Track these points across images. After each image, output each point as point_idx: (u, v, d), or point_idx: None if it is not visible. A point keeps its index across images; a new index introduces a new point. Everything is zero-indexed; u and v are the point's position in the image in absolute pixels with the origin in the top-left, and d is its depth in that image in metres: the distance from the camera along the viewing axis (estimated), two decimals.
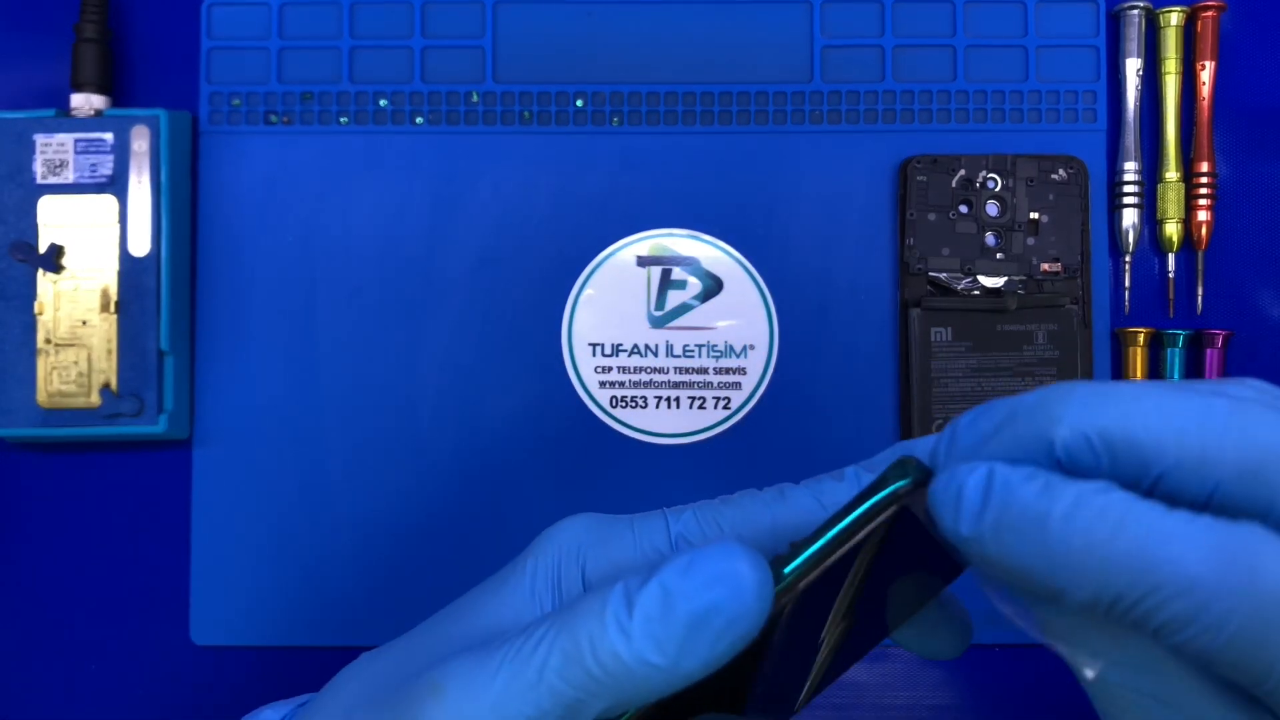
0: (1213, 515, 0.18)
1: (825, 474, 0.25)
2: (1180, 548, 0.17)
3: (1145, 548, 0.17)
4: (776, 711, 0.23)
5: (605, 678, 0.20)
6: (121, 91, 0.44)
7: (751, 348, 0.43)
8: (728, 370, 0.43)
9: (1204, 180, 0.43)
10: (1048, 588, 0.18)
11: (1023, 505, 0.18)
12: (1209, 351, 0.42)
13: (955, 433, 0.20)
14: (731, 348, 0.43)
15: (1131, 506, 0.18)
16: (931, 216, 0.42)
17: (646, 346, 0.43)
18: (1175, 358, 0.42)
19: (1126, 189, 0.43)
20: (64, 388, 0.41)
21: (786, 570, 0.20)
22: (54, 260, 0.41)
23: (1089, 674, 0.20)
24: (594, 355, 0.43)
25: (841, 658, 0.23)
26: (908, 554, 0.21)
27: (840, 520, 0.20)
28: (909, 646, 0.24)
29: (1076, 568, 0.18)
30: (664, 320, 0.43)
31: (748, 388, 0.43)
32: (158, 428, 0.41)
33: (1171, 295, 0.43)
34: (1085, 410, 0.19)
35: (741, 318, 0.43)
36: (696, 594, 0.19)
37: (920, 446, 0.23)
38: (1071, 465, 0.19)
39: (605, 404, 0.43)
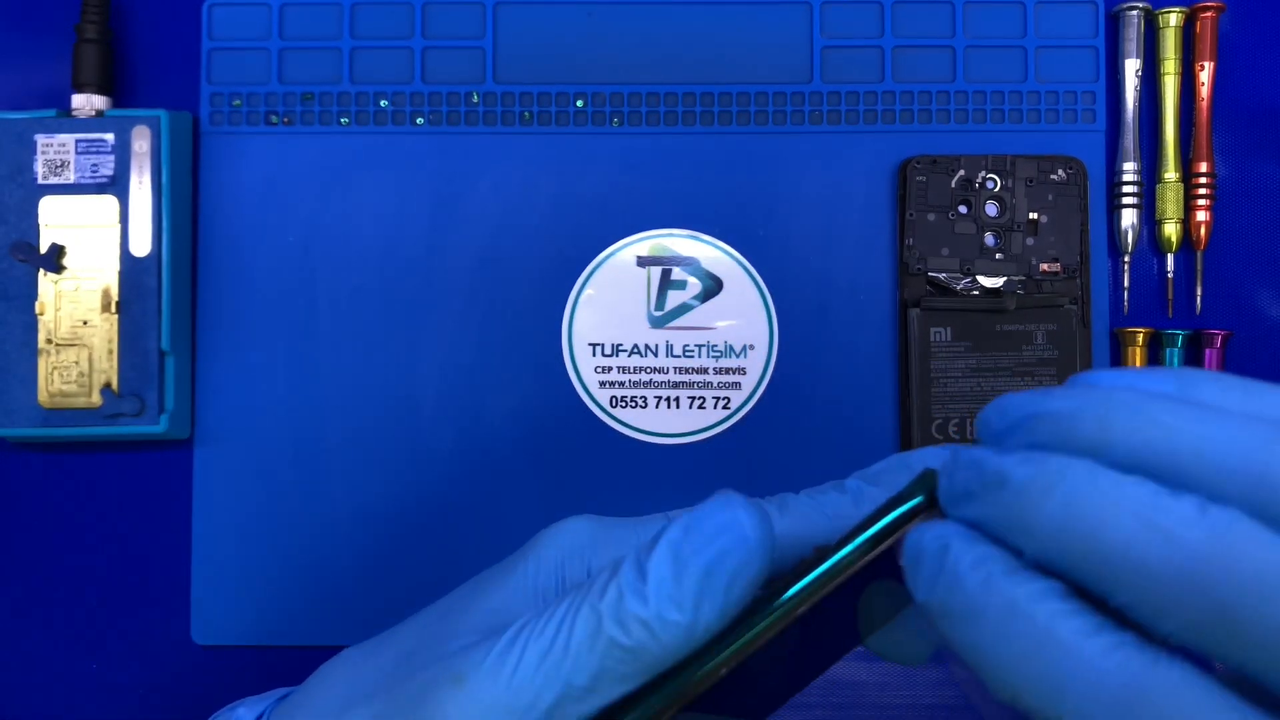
0: (1137, 644, 0.17)
1: (827, 484, 0.25)
2: (1087, 685, 0.17)
3: (1058, 674, 0.17)
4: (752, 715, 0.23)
5: (630, 643, 0.20)
6: (122, 92, 0.44)
7: (751, 348, 0.43)
8: (727, 370, 0.43)
9: (1203, 180, 0.43)
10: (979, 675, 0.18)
11: (965, 595, 0.18)
12: (1208, 351, 0.42)
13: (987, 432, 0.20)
14: (731, 348, 0.43)
15: (1056, 624, 0.17)
16: (931, 217, 0.43)
17: (646, 346, 0.43)
18: (1174, 358, 0.42)
19: (1125, 189, 0.43)
20: (65, 387, 0.41)
21: (799, 585, 0.20)
22: (55, 260, 0.41)
23: None
24: (594, 355, 0.43)
25: (815, 663, 0.23)
26: (893, 564, 0.21)
27: (861, 532, 0.20)
28: (876, 650, 0.24)
29: (996, 672, 0.17)
30: (664, 320, 0.43)
31: (747, 388, 0.43)
32: (159, 427, 0.41)
33: (1170, 295, 0.43)
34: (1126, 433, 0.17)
35: (741, 318, 0.43)
36: (704, 546, 0.20)
37: (916, 458, 0.23)
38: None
39: (605, 404, 0.43)
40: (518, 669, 0.21)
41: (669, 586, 0.20)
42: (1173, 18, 0.43)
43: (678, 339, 0.43)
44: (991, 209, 0.43)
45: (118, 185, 0.41)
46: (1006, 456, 0.18)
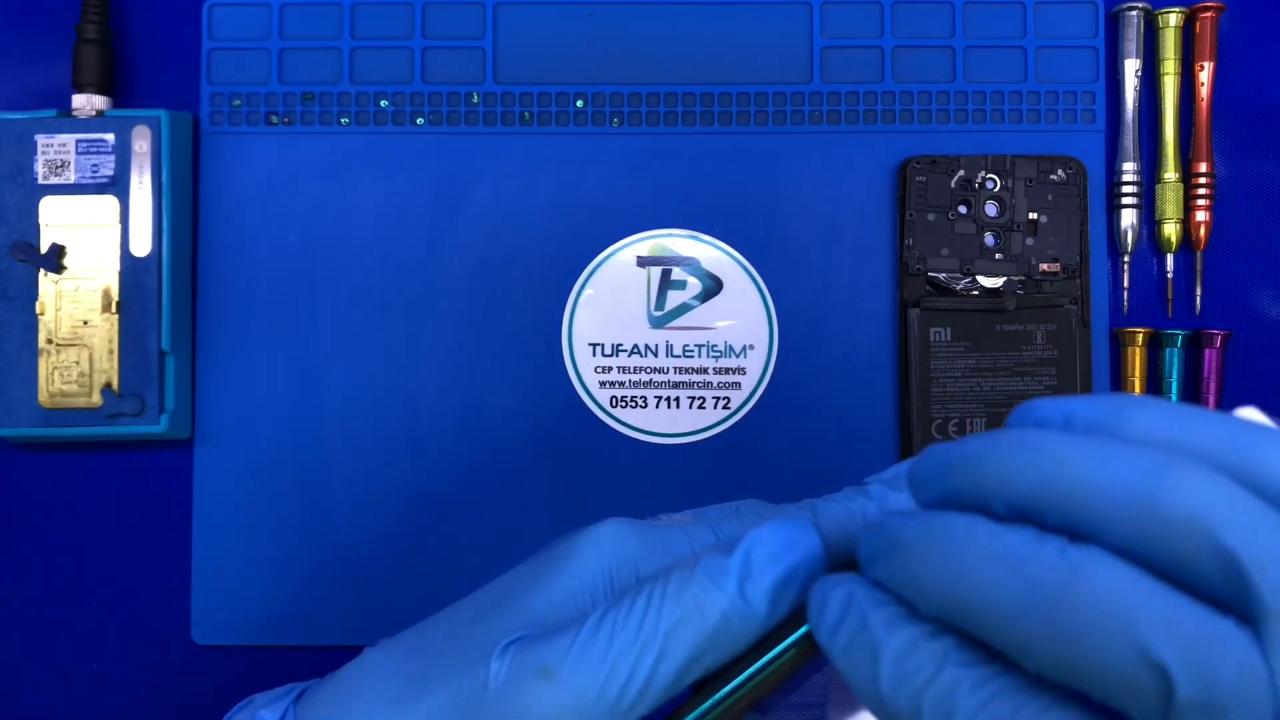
0: (1012, 682, 0.18)
1: (847, 489, 0.26)
2: None
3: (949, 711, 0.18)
4: None
5: (715, 634, 0.22)
6: (123, 92, 0.44)
7: (751, 348, 0.43)
8: (727, 370, 0.43)
9: (1202, 180, 0.43)
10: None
11: (867, 638, 0.19)
12: (1207, 351, 0.42)
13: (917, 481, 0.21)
14: (731, 348, 0.43)
15: (944, 666, 0.18)
16: (931, 217, 0.43)
17: (646, 346, 0.43)
18: (1174, 358, 0.42)
19: (1125, 189, 0.43)
20: (65, 387, 0.41)
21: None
22: (55, 260, 0.41)
23: None
24: (594, 355, 0.43)
25: None
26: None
27: (742, 672, 0.22)
28: None
29: (895, 712, 0.19)
30: (664, 320, 0.43)
31: (747, 387, 0.43)
32: (159, 427, 0.41)
33: (1170, 295, 0.43)
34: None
35: (741, 318, 0.43)
36: (783, 554, 0.22)
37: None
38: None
39: (605, 404, 0.43)
40: (609, 654, 0.22)
41: (751, 585, 0.22)
42: (1172, 18, 0.43)
43: (678, 339, 0.43)
44: (991, 209, 0.43)
45: (118, 185, 0.41)
46: (903, 519, 0.20)
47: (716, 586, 0.22)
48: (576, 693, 0.22)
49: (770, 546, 0.23)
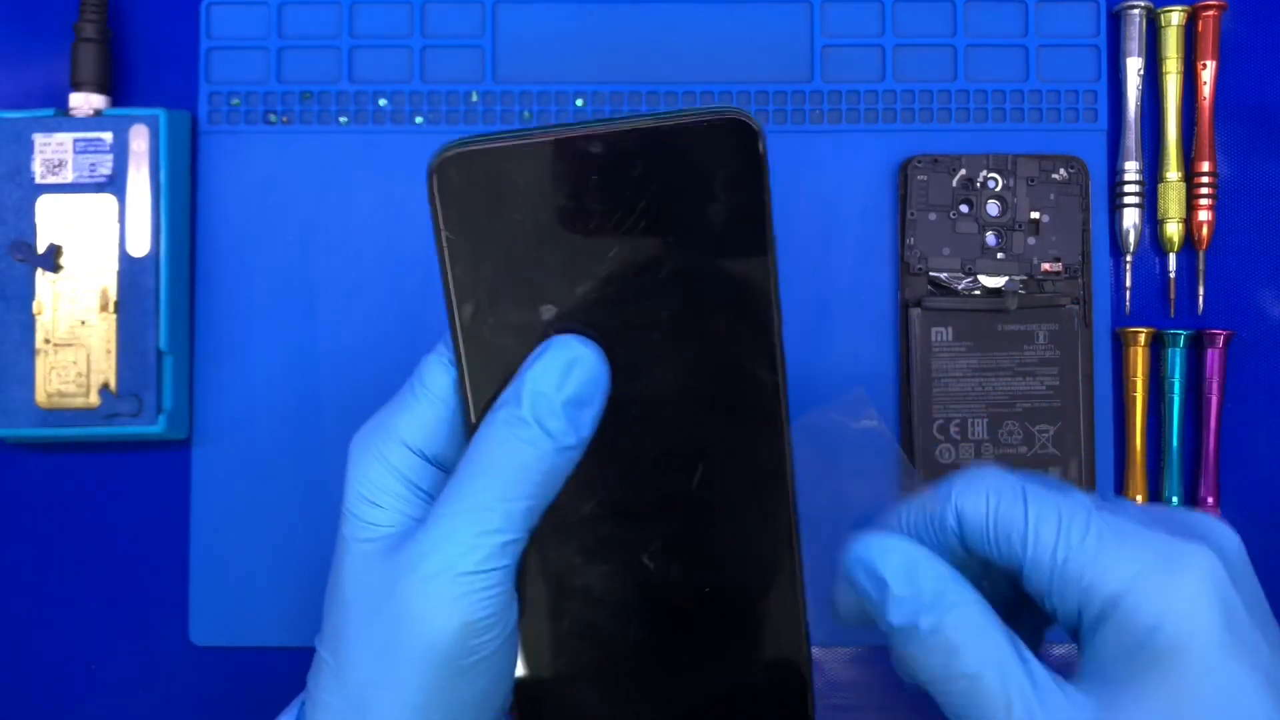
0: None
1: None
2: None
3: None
4: None
5: (540, 477, 0.24)
6: (120, 91, 0.44)
7: None
8: None
9: (1205, 180, 0.42)
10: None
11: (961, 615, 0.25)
12: (1210, 351, 0.42)
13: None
14: None
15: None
16: (932, 216, 0.42)
17: None
18: (1176, 358, 0.42)
19: (1127, 189, 0.43)
20: (63, 388, 0.41)
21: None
22: (53, 260, 0.41)
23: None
24: None
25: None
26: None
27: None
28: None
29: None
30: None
31: None
32: (157, 428, 0.41)
33: (1172, 295, 0.43)
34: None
35: None
36: (565, 381, 0.24)
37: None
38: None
39: None
40: (465, 539, 0.24)
41: (554, 422, 0.24)
42: (1175, 16, 0.43)
43: None
44: (993, 208, 0.42)
45: (116, 185, 0.41)
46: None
47: (526, 442, 0.24)
48: (447, 579, 0.24)
49: (552, 379, 0.24)
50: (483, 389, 0.25)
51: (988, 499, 0.26)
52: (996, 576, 0.27)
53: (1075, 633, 0.26)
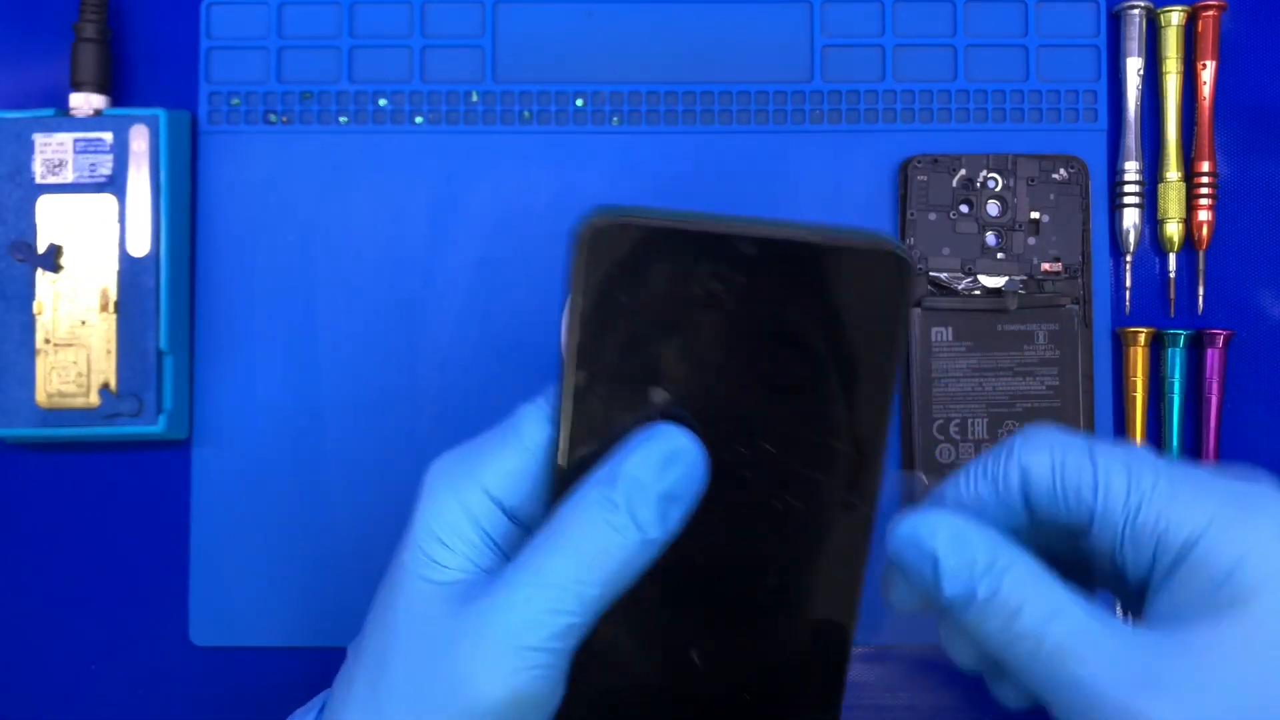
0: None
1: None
2: None
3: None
4: None
5: (619, 566, 0.24)
6: (121, 91, 0.44)
7: None
8: None
9: (1205, 180, 0.42)
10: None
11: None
12: (1210, 351, 0.42)
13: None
14: None
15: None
16: (932, 216, 0.42)
17: None
18: (1176, 358, 0.42)
19: (1127, 189, 0.43)
20: (63, 388, 0.41)
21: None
22: (53, 260, 0.41)
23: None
24: None
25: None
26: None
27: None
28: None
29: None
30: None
31: None
32: (157, 428, 0.41)
33: (1172, 295, 0.43)
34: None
35: None
36: (663, 474, 0.24)
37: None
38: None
39: None
40: (525, 613, 0.24)
41: (640, 512, 0.23)
42: (1174, 16, 0.43)
43: None
44: (993, 208, 0.42)
45: (116, 185, 0.41)
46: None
47: (614, 529, 0.23)
48: (507, 650, 0.24)
49: (651, 470, 0.24)
50: (579, 455, 0.25)
51: (1053, 453, 0.26)
52: (1049, 539, 0.27)
53: (1137, 590, 0.25)
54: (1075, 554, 0.27)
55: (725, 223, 0.24)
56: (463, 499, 0.26)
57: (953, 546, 0.24)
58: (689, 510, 0.24)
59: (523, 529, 0.26)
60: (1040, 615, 0.24)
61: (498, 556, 0.26)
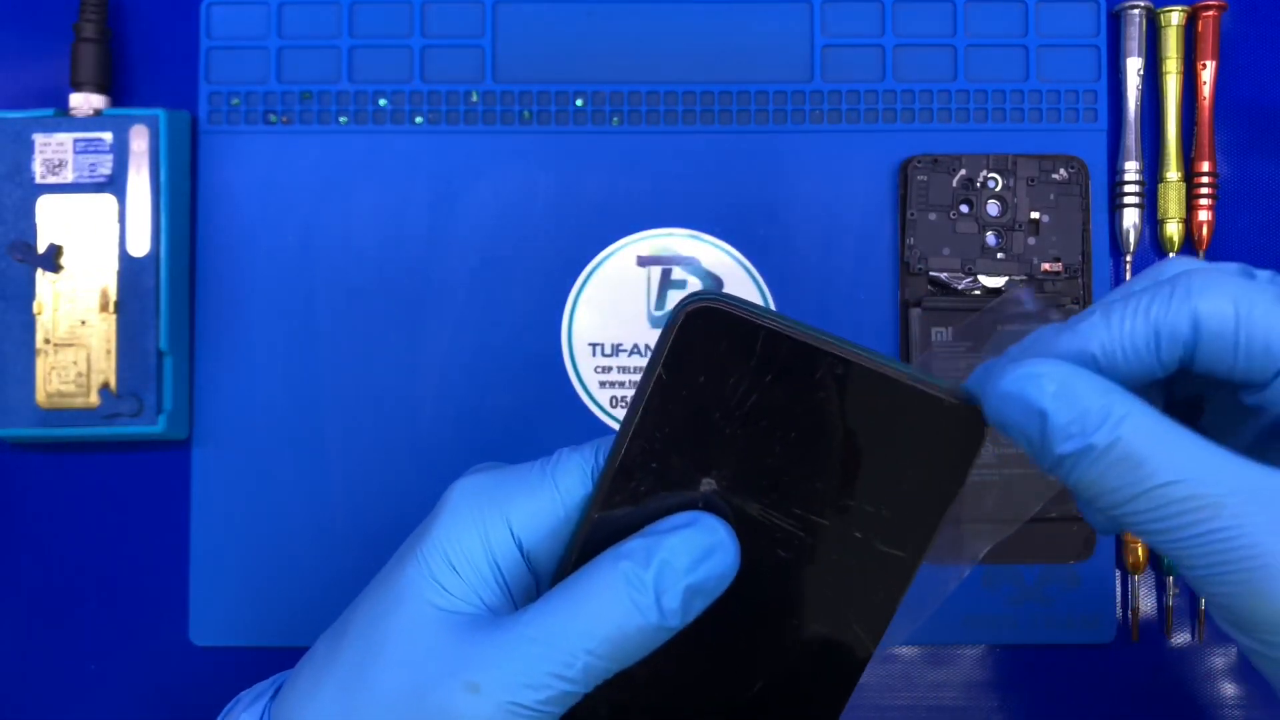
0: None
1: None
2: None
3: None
4: None
5: (631, 646, 0.23)
6: (120, 91, 0.44)
7: None
8: None
9: (1205, 180, 0.42)
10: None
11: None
12: None
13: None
14: None
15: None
16: (932, 216, 0.42)
17: (646, 346, 0.43)
18: None
19: (1127, 189, 0.43)
20: (63, 388, 0.41)
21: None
22: (53, 260, 0.41)
23: None
24: (594, 355, 0.43)
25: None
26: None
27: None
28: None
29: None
30: (665, 320, 0.43)
31: None
32: (157, 428, 0.41)
33: None
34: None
35: None
36: (696, 566, 0.24)
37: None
38: None
39: (605, 404, 0.43)
40: (528, 674, 0.23)
41: (666, 599, 0.23)
42: (1174, 16, 0.43)
43: None
44: (993, 208, 0.42)
45: (116, 185, 0.41)
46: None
47: (637, 609, 0.23)
48: (500, 704, 0.23)
49: (686, 559, 0.24)
50: (613, 517, 0.25)
51: (1237, 301, 0.22)
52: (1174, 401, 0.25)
53: None
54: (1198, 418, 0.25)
55: (822, 338, 0.24)
56: (485, 528, 0.25)
57: (1061, 399, 0.22)
58: (708, 605, 0.24)
59: (532, 575, 0.26)
60: (1168, 465, 0.21)
61: (504, 595, 0.25)
